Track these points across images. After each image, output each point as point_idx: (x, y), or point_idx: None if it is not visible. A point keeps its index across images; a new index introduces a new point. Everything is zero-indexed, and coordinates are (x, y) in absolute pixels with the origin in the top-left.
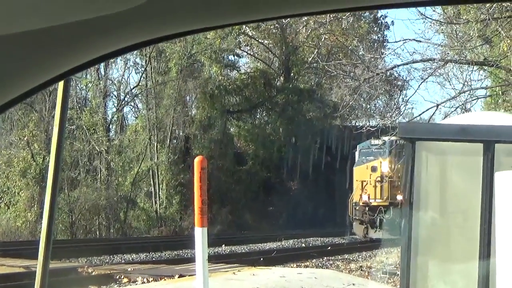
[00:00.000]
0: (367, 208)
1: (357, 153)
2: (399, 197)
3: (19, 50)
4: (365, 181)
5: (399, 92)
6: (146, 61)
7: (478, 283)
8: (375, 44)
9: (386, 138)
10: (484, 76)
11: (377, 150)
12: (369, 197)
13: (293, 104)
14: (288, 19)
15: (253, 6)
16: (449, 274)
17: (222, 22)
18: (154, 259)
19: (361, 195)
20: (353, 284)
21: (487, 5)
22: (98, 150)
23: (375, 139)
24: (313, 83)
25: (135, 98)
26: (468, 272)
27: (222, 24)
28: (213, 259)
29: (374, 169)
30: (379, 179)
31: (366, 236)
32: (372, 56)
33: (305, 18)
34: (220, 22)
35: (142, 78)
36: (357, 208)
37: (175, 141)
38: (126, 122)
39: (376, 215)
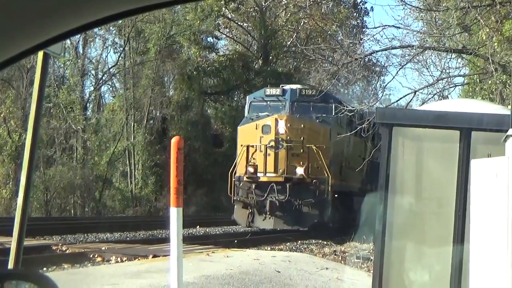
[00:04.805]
0: (253, 186)
1: (246, 107)
2: (300, 171)
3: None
4: (252, 146)
5: (377, 78)
6: (124, 41)
7: (452, 266)
8: (354, 29)
9: (287, 87)
10: (462, 64)
11: (273, 103)
12: (256, 170)
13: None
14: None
15: None
16: (425, 257)
17: None
18: (128, 238)
19: (246, 167)
20: (327, 268)
21: None
22: (75, 128)
23: (271, 87)
24: (291, 67)
25: (112, 77)
26: (443, 256)
27: None
28: (188, 240)
29: (266, 129)
30: (272, 143)
31: (250, 225)
32: (351, 41)
33: (285, 1)
34: None
35: (120, 58)
36: (240, 185)
37: (152, 122)
38: (103, 101)
39: (266, 195)
